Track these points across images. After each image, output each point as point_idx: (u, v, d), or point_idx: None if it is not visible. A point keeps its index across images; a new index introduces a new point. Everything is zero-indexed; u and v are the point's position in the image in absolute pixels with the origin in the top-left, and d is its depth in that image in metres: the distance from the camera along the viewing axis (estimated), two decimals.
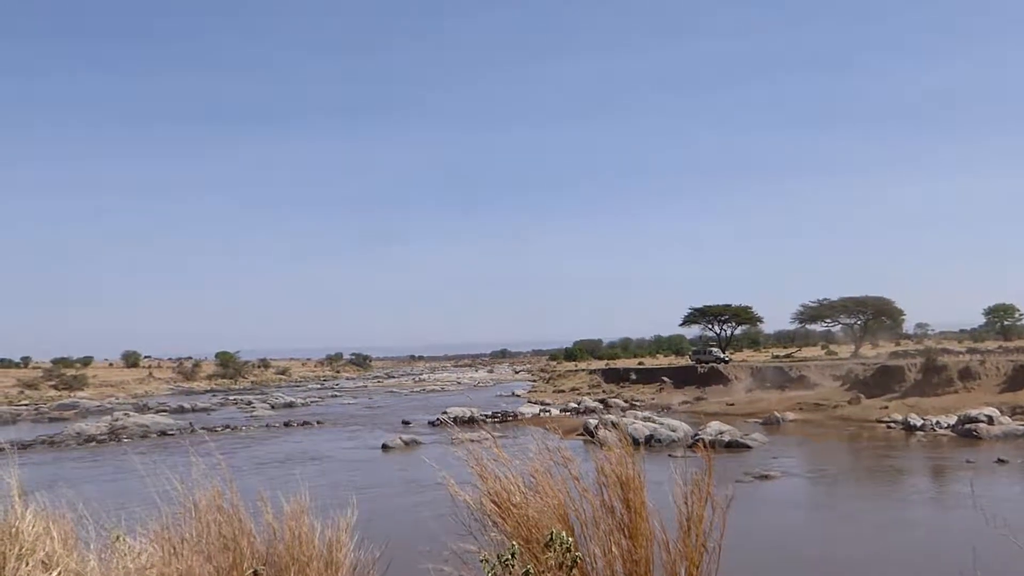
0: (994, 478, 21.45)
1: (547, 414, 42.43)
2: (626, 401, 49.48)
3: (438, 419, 39.60)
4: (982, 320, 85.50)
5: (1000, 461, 23.38)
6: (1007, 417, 30.41)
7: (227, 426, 42.05)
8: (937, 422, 31.31)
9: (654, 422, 31.96)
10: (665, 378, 57.23)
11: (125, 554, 5.88)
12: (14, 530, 5.96)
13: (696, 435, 29.39)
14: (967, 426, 29.54)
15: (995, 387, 35.89)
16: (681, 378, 55.82)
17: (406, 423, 41.11)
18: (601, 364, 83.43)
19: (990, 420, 29.59)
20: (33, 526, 6.09)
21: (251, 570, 4.67)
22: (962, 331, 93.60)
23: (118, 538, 6.16)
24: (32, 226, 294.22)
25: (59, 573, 5.66)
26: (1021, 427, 29.29)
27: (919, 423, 31.65)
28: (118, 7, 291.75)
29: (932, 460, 25.28)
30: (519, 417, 41.06)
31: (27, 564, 5.67)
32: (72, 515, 6.48)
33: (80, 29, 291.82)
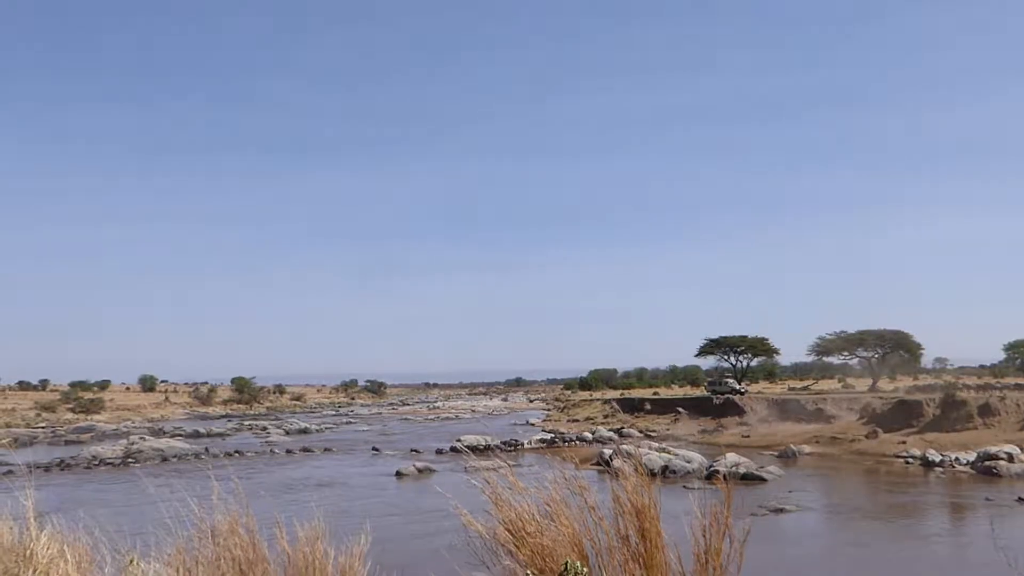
0: (1015, 517, 21.12)
1: (544, 444, 42.24)
2: (641, 431, 49.16)
3: (452, 447, 39.53)
4: (1002, 356, 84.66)
5: (1021, 500, 23.03)
6: None
7: (241, 451, 42.10)
8: (956, 458, 30.91)
9: (669, 453, 31.74)
10: (680, 408, 56.87)
11: None
12: (29, 552, 5.99)
13: (711, 466, 29.17)
14: (987, 463, 29.12)
15: (1015, 424, 35.42)
16: (696, 409, 55.46)
17: (419, 451, 41.06)
18: (616, 394, 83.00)
19: (1010, 457, 29.18)
20: (48, 548, 6.12)
21: None
22: (982, 366, 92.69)
23: (132, 561, 6.18)
24: (52, 252, 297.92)
25: None
26: None
27: (937, 459, 31.25)
28: (130, 35, 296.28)
29: (951, 497, 24.93)
30: (526, 446, 40.92)
31: None
32: (87, 538, 6.51)
33: (97, 62, 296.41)
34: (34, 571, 5.83)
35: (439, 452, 39.80)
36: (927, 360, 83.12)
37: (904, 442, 35.90)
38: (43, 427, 64.96)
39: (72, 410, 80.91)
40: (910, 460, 32.56)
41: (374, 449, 42.82)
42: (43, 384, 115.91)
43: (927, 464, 31.20)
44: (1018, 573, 6.62)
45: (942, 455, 31.61)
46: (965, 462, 30.39)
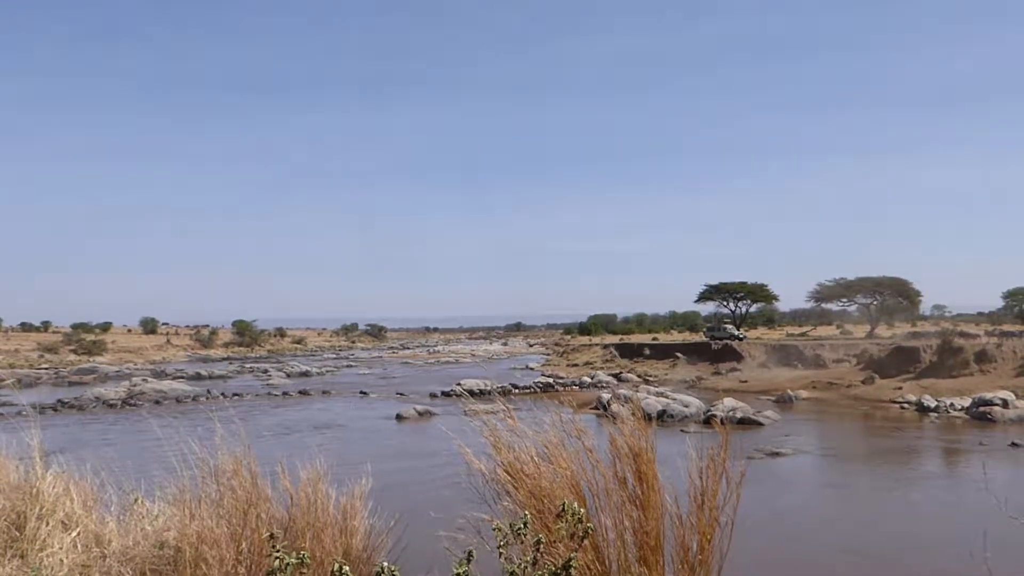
0: (1007, 462, 21.38)
1: (543, 388, 42.55)
2: (639, 376, 49.52)
3: (452, 391, 39.88)
4: (1001, 303, 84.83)
5: (1014, 445, 23.29)
6: (1022, 401, 30.23)
7: (242, 394, 42.48)
8: (951, 404, 31.17)
9: (667, 397, 32.00)
10: (679, 354, 57.19)
11: (143, 516, 6.00)
12: (35, 490, 6.09)
13: (709, 411, 29.42)
14: (981, 409, 29.40)
15: (1011, 371, 35.66)
16: (695, 354, 55.76)
17: (419, 394, 41.42)
18: (615, 339, 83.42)
19: (1005, 403, 29.43)
20: (53, 487, 6.22)
21: (268, 533, 4.75)
22: (980, 314, 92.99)
23: (137, 500, 6.28)
24: (56, 194, 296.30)
25: (78, 533, 5.78)
26: None
27: (933, 404, 31.52)
28: None
29: (945, 442, 25.21)
30: (524, 390, 41.26)
31: (47, 524, 5.79)
32: (92, 477, 6.60)
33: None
34: (40, 509, 5.93)
35: (439, 396, 40.14)
36: (925, 307, 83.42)
37: (900, 388, 36.19)
38: (46, 368, 65.45)
39: (74, 352, 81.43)
40: (905, 405, 32.84)
41: (361, 392, 43.42)
42: (45, 325, 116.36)
43: (922, 409, 31.48)
44: (1007, 513, 6.73)
45: (937, 401, 31.88)
46: (960, 408, 30.66)
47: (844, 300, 75.64)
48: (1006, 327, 65.63)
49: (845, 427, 29.45)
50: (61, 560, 5.41)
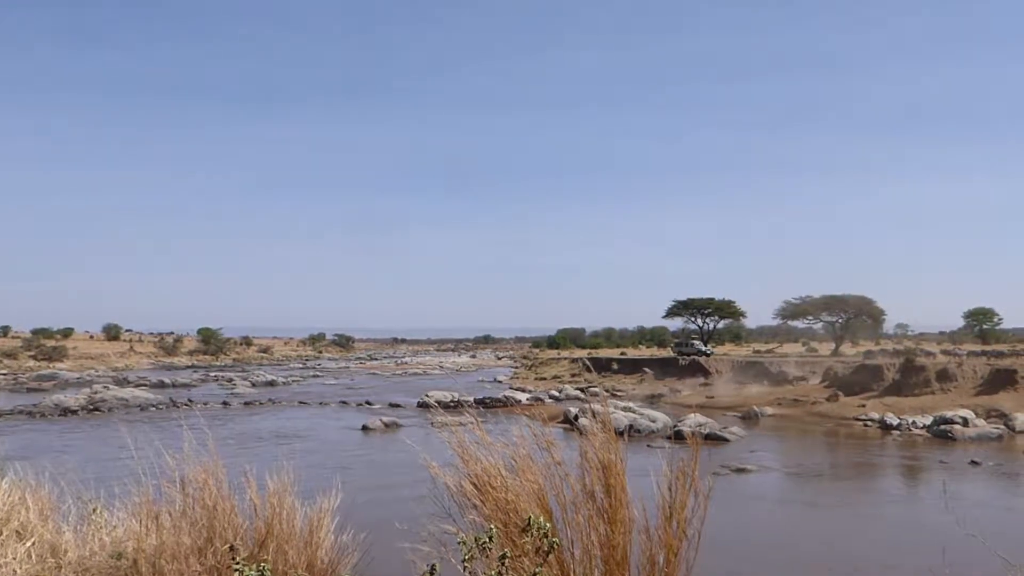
0: (966, 480, 21.69)
1: (511, 401, 42.49)
2: (607, 390, 49.59)
3: (419, 402, 39.71)
4: (961, 323, 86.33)
5: (973, 463, 23.65)
6: (982, 420, 30.74)
7: (207, 402, 41.92)
8: (913, 422, 31.59)
9: (634, 412, 32.06)
10: (647, 369, 57.48)
11: (101, 526, 5.87)
12: None
13: (676, 426, 29.53)
14: (942, 427, 29.83)
15: (971, 389, 36.24)
16: (663, 369, 56.08)
17: (386, 405, 41.16)
18: (583, 353, 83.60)
19: (965, 422, 29.90)
20: (9, 495, 6.06)
21: (227, 545, 4.67)
22: (941, 333, 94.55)
23: (95, 510, 6.14)
24: (18, 197, 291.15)
25: (33, 543, 5.64)
26: (995, 430, 29.62)
27: (895, 422, 31.93)
28: None
29: (906, 459, 25.54)
30: (491, 403, 41.16)
31: (1, 534, 5.64)
32: (50, 486, 6.45)
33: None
34: None
35: (406, 407, 39.93)
36: (889, 326, 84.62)
37: (864, 405, 36.62)
38: (4, 374, 64.15)
39: (34, 357, 79.88)
40: (869, 423, 33.23)
41: (327, 403, 43.09)
42: (4, 330, 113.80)
43: (885, 427, 31.88)
44: (966, 531, 6.81)
45: (900, 419, 32.30)
46: (922, 426, 31.09)
47: (810, 318, 76.60)
48: (967, 346, 66.80)
49: (809, 444, 29.71)
50: (14, 571, 5.27)
